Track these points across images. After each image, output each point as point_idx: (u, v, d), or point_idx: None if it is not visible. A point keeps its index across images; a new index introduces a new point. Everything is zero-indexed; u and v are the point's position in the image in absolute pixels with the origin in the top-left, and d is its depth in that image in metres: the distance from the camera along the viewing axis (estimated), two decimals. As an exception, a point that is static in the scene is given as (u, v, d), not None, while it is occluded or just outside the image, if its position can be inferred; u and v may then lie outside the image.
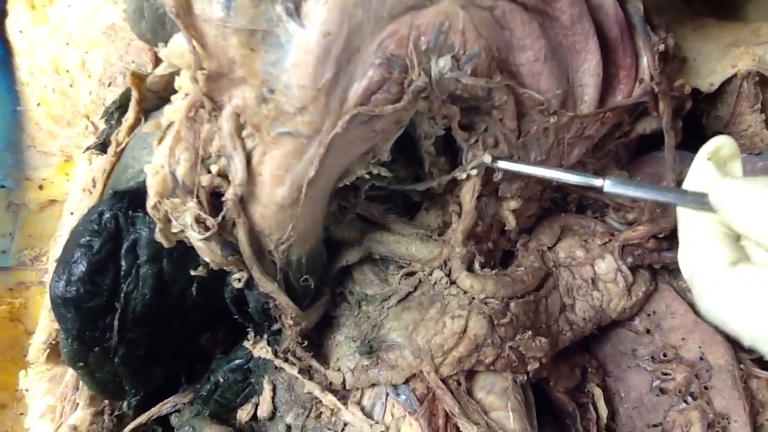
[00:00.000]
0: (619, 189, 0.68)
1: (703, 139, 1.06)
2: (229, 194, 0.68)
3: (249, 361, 0.91)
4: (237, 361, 0.92)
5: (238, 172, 0.67)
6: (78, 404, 0.96)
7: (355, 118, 0.66)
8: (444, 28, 0.66)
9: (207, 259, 0.72)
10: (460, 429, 0.75)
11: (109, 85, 1.17)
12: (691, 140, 1.06)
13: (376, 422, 0.78)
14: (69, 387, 1.00)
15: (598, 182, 0.70)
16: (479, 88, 0.73)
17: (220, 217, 0.69)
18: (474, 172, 0.82)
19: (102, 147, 0.98)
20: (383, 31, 0.64)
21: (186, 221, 0.68)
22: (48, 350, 1.07)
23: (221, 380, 0.91)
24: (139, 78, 0.89)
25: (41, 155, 1.36)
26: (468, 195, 0.85)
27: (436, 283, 0.85)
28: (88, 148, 1.03)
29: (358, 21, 0.62)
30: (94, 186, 0.95)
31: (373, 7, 0.62)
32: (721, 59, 1.03)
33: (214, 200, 0.69)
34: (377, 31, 0.64)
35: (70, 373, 1.01)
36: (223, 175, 0.68)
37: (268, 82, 0.63)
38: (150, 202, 0.68)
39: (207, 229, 0.68)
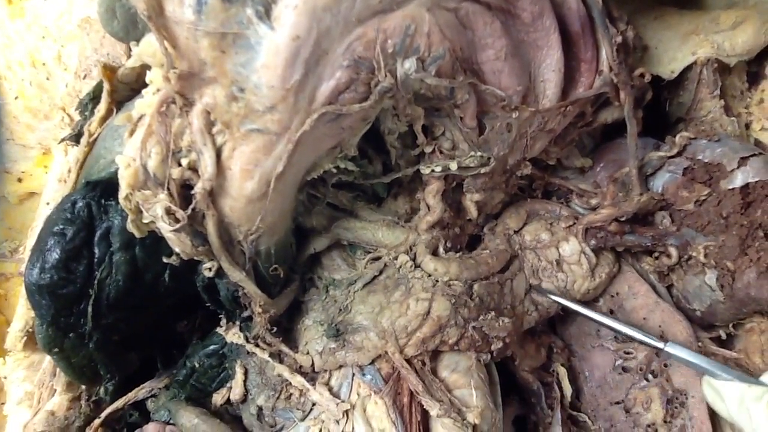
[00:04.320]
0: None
1: (667, 125, 1.11)
2: (199, 188, 0.70)
3: (223, 346, 0.93)
4: (212, 347, 0.94)
5: (207, 166, 0.69)
6: (55, 390, 0.98)
7: (323, 116, 0.68)
8: (410, 31, 0.68)
9: (177, 250, 0.74)
10: (424, 406, 0.78)
11: (85, 77, 1.18)
12: (655, 126, 1.09)
13: (343, 401, 0.80)
14: (46, 373, 1.02)
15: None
16: (442, 88, 0.75)
17: (190, 210, 0.71)
18: (438, 169, 0.85)
19: (76, 138, 0.99)
20: (351, 34, 0.66)
21: (157, 213, 0.71)
22: (25, 338, 1.08)
23: (197, 365, 0.94)
24: (110, 70, 0.91)
25: (20, 148, 1.37)
26: (431, 195, 0.88)
27: (401, 267, 0.88)
28: (63, 140, 1.04)
29: (327, 25, 0.64)
30: (69, 176, 0.97)
31: (342, 12, 0.64)
32: (681, 47, 1.05)
33: (185, 192, 0.72)
34: (345, 35, 0.66)
35: (48, 360, 1.03)
36: (194, 168, 0.71)
37: (238, 81, 0.65)
38: (122, 194, 0.71)
39: (177, 220, 0.71)
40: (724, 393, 0.79)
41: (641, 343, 0.87)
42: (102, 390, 0.95)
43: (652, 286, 0.98)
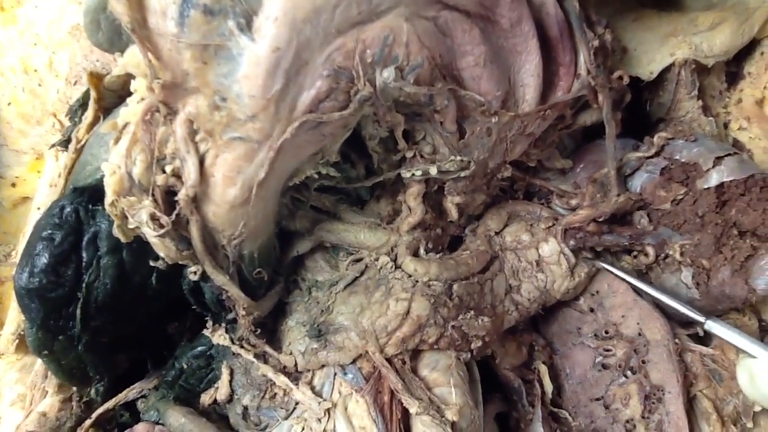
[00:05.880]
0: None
1: (648, 125, 1.13)
2: (182, 194, 0.72)
3: (211, 348, 0.95)
4: (200, 348, 0.96)
5: (190, 173, 0.71)
6: (47, 392, 0.99)
7: (304, 124, 0.70)
8: (388, 41, 0.70)
9: (161, 254, 0.76)
10: (404, 404, 0.80)
11: (75, 83, 1.19)
12: (637, 126, 1.11)
13: (325, 400, 0.82)
14: (38, 375, 1.03)
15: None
16: (422, 95, 0.77)
17: (174, 215, 0.72)
18: (419, 173, 0.87)
19: (66, 144, 1.01)
20: (331, 44, 0.68)
21: (142, 218, 0.72)
22: (17, 340, 1.09)
23: (185, 366, 0.96)
24: (97, 77, 0.93)
25: (13, 153, 1.38)
26: (412, 197, 0.91)
27: (382, 267, 0.90)
28: (53, 145, 1.06)
29: (307, 36, 0.65)
30: (58, 181, 0.98)
31: (322, 24, 0.66)
32: (660, 48, 1.07)
33: (169, 198, 0.73)
34: (325, 45, 0.67)
35: (40, 363, 1.04)
36: (178, 175, 0.72)
37: (220, 91, 0.67)
38: (107, 200, 0.73)
39: (162, 226, 0.73)
40: (761, 372, 0.83)
41: (684, 315, 0.93)
42: (93, 391, 0.96)
43: (631, 285, 1.00)
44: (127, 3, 0.62)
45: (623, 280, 0.98)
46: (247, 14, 0.64)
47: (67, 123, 1.12)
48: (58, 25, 1.28)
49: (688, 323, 0.98)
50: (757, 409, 0.90)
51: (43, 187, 1.19)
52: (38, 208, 1.16)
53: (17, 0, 1.31)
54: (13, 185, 1.39)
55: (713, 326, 0.89)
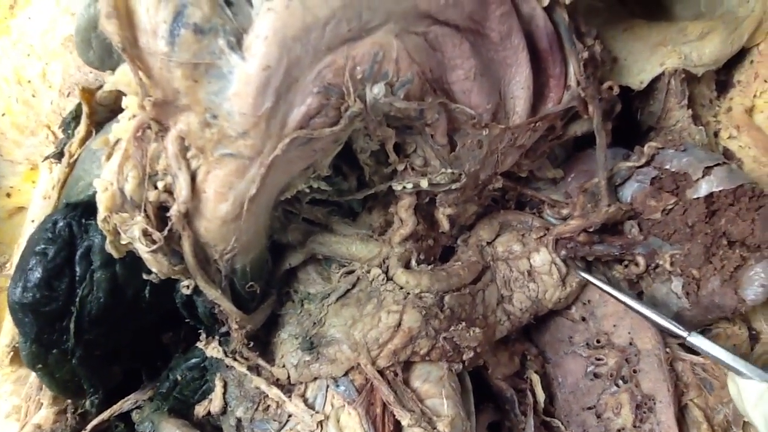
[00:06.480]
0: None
1: (639, 134, 1.13)
2: (174, 210, 0.72)
3: (205, 360, 0.95)
4: (194, 360, 0.96)
5: (182, 190, 0.71)
6: (42, 404, 1.00)
7: (295, 140, 0.70)
8: (378, 57, 0.71)
9: (154, 270, 0.76)
10: (396, 416, 0.80)
11: (69, 95, 1.19)
12: (628, 135, 1.12)
13: (317, 412, 0.83)
14: (33, 387, 1.03)
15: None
16: (412, 110, 0.78)
17: (166, 231, 0.73)
18: (410, 186, 0.88)
19: (60, 156, 1.02)
20: (321, 62, 0.68)
21: (134, 234, 0.73)
22: (12, 353, 1.09)
23: (179, 378, 0.96)
24: (88, 92, 0.93)
25: (8, 164, 1.38)
26: (404, 209, 0.91)
27: (373, 280, 0.91)
28: (46, 158, 1.06)
29: (297, 54, 0.66)
30: (52, 193, 0.99)
31: (312, 41, 0.66)
32: (650, 58, 1.08)
33: (161, 214, 0.73)
34: (315, 62, 0.68)
35: (34, 375, 1.04)
36: (170, 191, 0.72)
37: (211, 109, 0.67)
38: (100, 216, 0.73)
39: (154, 242, 0.73)
40: (743, 389, 0.83)
41: (666, 330, 0.92)
42: (88, 403, 0.96)
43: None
44: (118, 22, 0.62)
45: (608, 293, 0.98)
46: (238, 33, 0.64)
47: (60, 135, 1.12)
48: (52, 35, 1.27)
49: (679, 332, 0.99)
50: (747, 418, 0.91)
51: (37, 198, 1.19)
52: (32, 221, 1.16)
53: (10, 11, 1.31)
54: (8, 195, 1.39)
55: (696, 341, 0.89)
